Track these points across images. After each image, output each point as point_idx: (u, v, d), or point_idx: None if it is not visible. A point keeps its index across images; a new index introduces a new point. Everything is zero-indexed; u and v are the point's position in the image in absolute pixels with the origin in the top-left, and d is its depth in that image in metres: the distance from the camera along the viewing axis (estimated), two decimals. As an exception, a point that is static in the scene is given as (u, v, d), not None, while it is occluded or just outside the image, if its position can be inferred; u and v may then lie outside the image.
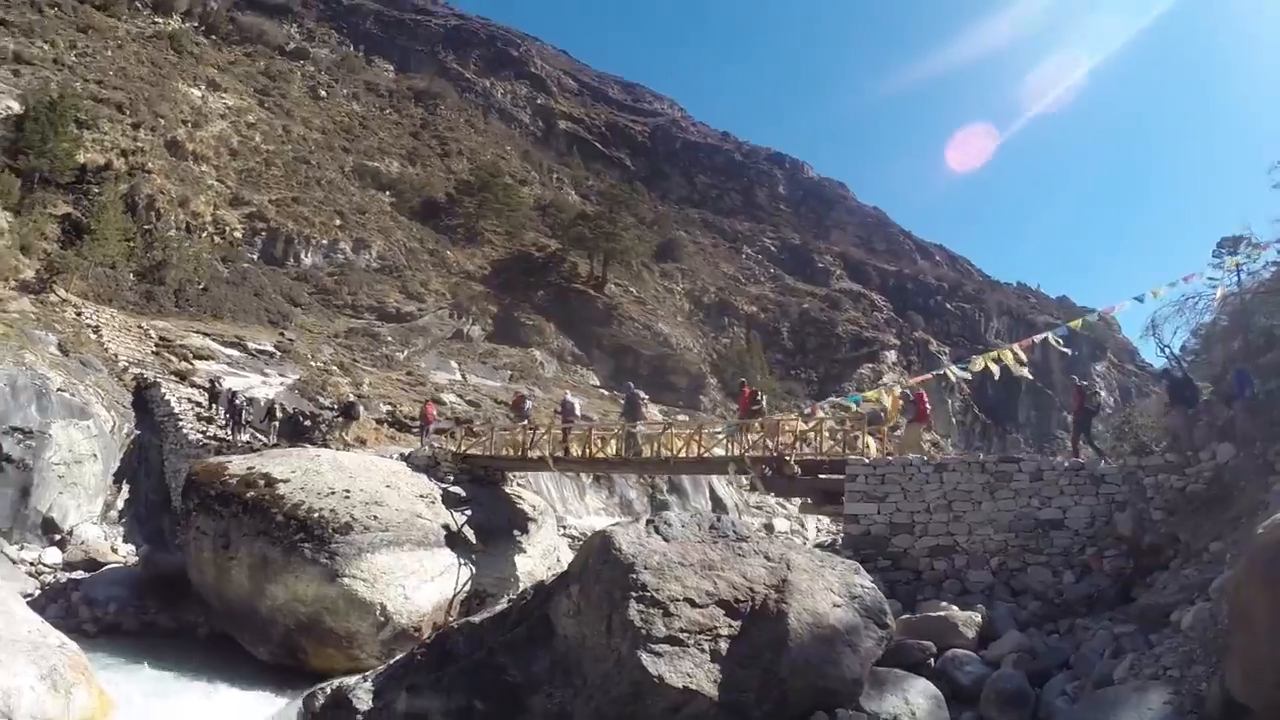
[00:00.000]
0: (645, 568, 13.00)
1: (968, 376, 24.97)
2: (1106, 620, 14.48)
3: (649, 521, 14.47)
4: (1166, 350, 30.12)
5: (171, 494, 29.76)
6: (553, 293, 64.43)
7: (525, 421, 27.60)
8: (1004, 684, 12.65)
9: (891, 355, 71.13)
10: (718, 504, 38.25)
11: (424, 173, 77.74)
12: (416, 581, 21.36)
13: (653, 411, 33.84)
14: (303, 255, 57.89)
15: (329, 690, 15.36)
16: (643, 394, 28.64)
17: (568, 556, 26.19)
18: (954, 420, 61.04)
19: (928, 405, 22.35)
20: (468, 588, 22.61)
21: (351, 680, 15.62)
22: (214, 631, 22.56)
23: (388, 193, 71.21)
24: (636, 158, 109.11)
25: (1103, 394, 58.04)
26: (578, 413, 28.53)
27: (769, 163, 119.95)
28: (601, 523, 31.72)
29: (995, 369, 23.83)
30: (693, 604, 12.78)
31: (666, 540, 13.83)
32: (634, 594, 12.63)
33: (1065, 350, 27.98)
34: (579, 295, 64.75)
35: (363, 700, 14.39)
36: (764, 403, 26.43)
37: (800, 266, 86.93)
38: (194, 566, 22.51)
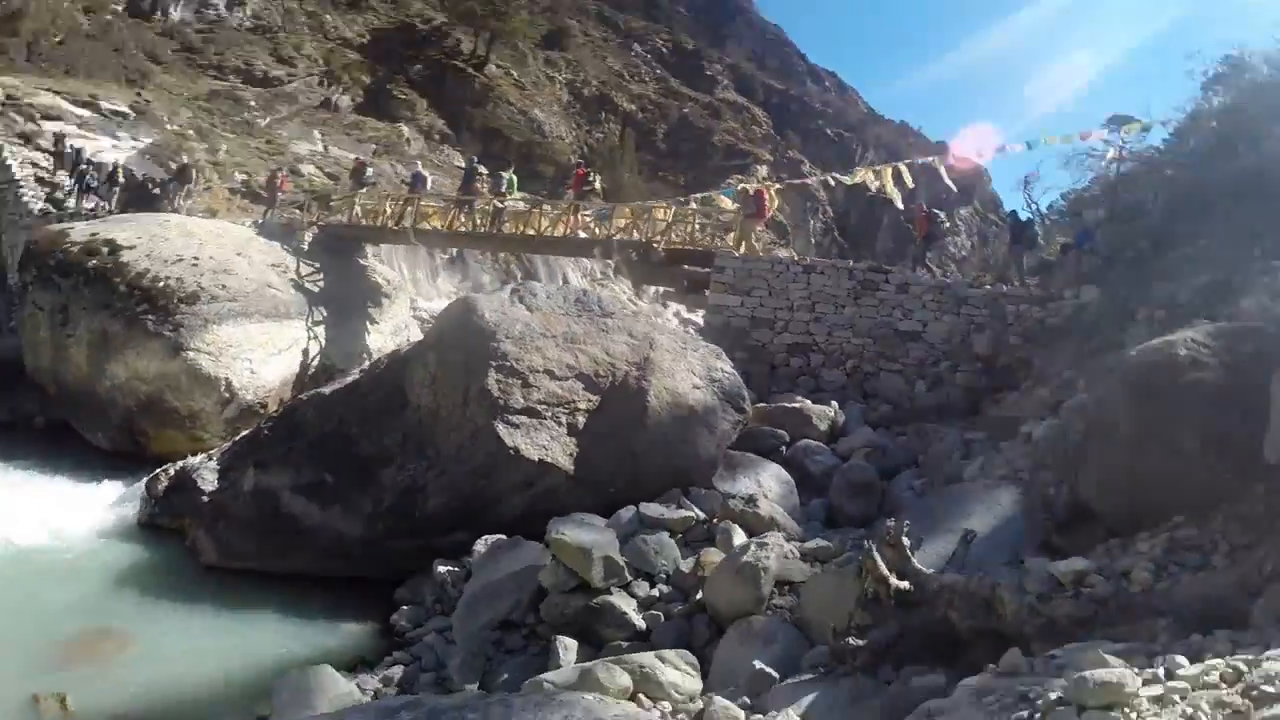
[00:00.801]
0: (507, 337, 12.56)
1: (847, 181, 24.93)
2: (955, 428, 14.86)
3: (513, 290, 13.96)
4: (1034, 206, 30.98)
5: (9, 271, 27.11)
6: (431, 68, 60.52)
7: (363, 189, 26.39)
8: (854, 474, 12.90)
9: (763, 170, 70.45)
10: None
11: (314, -78, 71.14)
12: (264, 355, 20.27)
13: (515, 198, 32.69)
14: (171, 9, 52.85)
15: (172, 471, 14.68)
16: (483, 169, 27.52)
17: (419, 336, 25.64)
18: (814, 241, 61.52)
19: (767, 204, 22.17)
20: (316, 361, 21.70)
21: (196, 460, 14.94)
22: (51, 421, 20.97)
23: (272, -59, 65.21)
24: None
25: (963, 234, 59.27)
26: (428, 188, 27.29)
27: None
28: None
29: (874, 182, 23.84)
30: (553, 376, 12.45)
31: (530, 310, 13.37)
32: (494, 363, 12.20)
33: (950, 184, 28.28)
34: (457, 74, 61.09)
35: (208, 480, 13.76)
36: (597, 184, 25.95)
37: (688, 72, 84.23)
38: (29, 350, 20.83)
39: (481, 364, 12.16)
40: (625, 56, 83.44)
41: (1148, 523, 8.19)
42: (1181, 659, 5.29)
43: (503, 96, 61.74)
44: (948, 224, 28.49)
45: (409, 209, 24.41)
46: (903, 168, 24.07)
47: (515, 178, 26.44)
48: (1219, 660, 5.11)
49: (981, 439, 13.42)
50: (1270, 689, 4.56)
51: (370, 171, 28.62)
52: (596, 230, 22.21)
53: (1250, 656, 5.07)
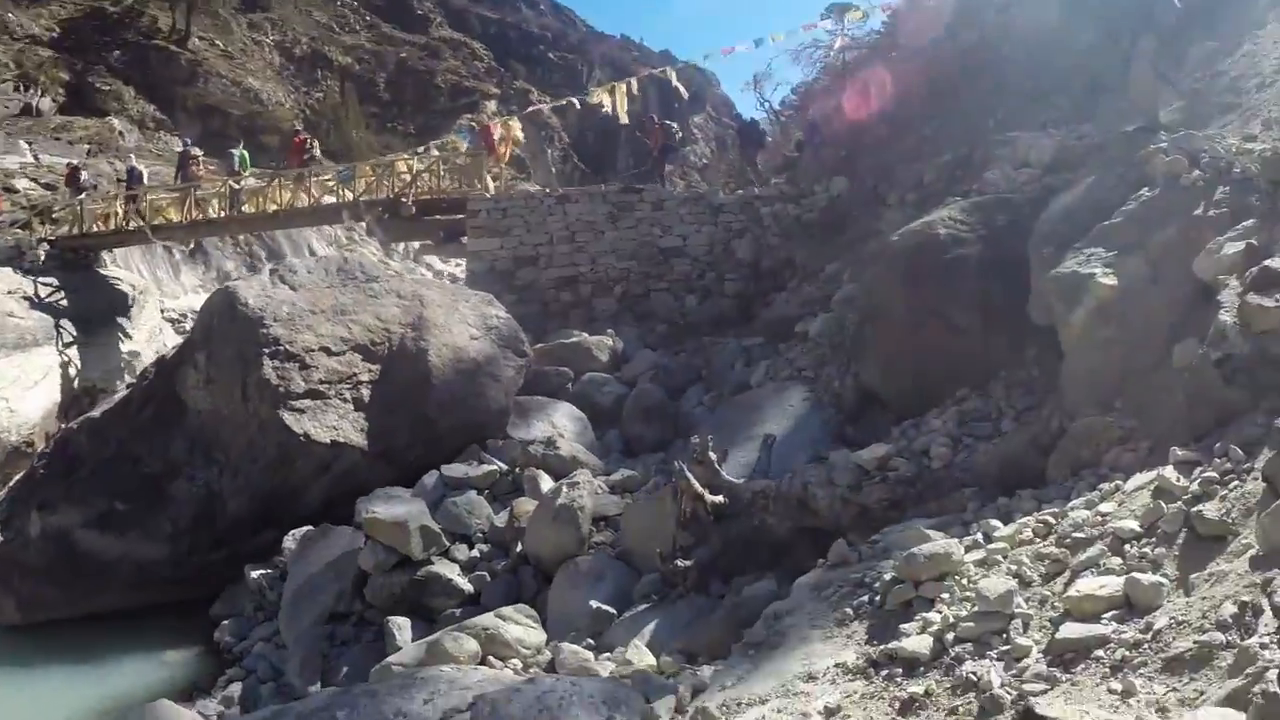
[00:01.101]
0: (275, 320, 11.86)
1: (577, 105, 24.91)
2: (732, 337, 15.17)
3: (272, 270, 13.24)
4: (767, 105, 31.82)
5: None
6: (131, 52, 55.79)
7: (82, 195, 24.39)
8: (644, 399, 13.00)
9: (492, 105, 69.33)
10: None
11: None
12: (19, 390, 18.50)
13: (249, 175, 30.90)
14: None
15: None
16: (197, 149, 26.02)
17: (173, 340, 23.94)
18: (553, 170, 61.28)
19: (495, 138, 21.93)
20: (76, 385, 20.04)
21: (-30, 517, 13.46)
22: None
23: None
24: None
25: (700, 141, 60.19)
26: (145, 181, 25.46)
27: None
28: (203, 300, 29.26)
29: (608, 101, 23.92)
30: (329, 352, 11.89)
31: (294, 289, 12.70)
32: (267, 350, 11.51)
33: (684, 92, 28.65)
34: (160, 53, 56.67)
35: (-11, 535, 12.45)
36: (316, 150, 25.12)
37: (398, 14, 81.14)
38: None
39: (254, 353, 11.48)
40: (332, 7, 79.71)
41: (934, 400, 8.62)
42: (995, 522, 5.60)
43: (212, 70, 58.06)
44: (681, 134, 28.85)
45: (139, 206, 22.56)
46: (631, 84, 24.23)
47: (246, 154, 25.07)
48: (1029, 518, 5.43)
49: (760, 344, 13.73)
50: (1080, 535, 4.87)
51: (85, 175, 26.32)
52: (341, 194, 21.27)
53: (1055, 509, 5.40)
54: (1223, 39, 10.57)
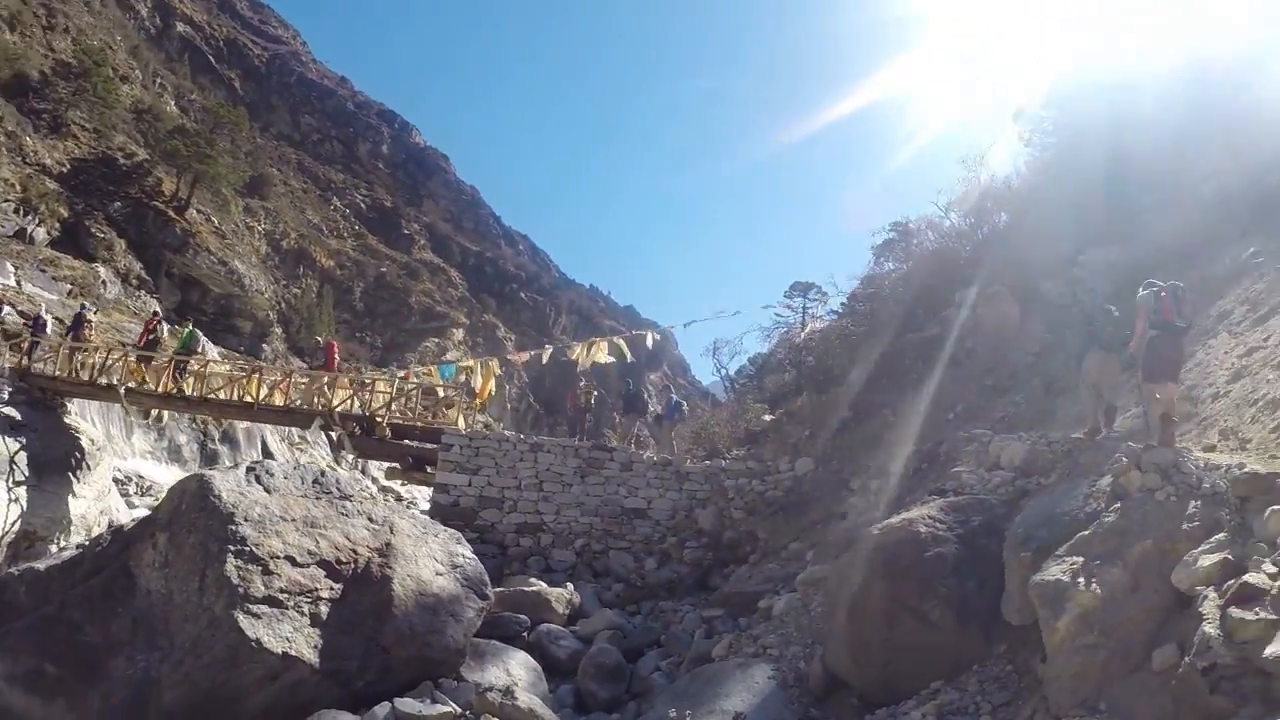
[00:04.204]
0: (246, 520, 11.69)
1: (573, 359, 25.65)
2: (689, 604, 15.21)
3: (249, 469, 13.12)
4: (723, 371, 32.96)
5: None
6: (131, 206, 56.87)
7: (40, 342, 24.21)
8: (602, 658, 12.81)
9: (459, 334, 71.04)
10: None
11: (22, 42, 66.21)
12: None
13: (212, 353, 30.99)
14: None
15: None
16: (92, 315, 25.97)
17: (118, 503, 23.29)
18: (510, 405, 62.01)
19: (336, 357, 23.03)
20: (17, 527, 19.40)
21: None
22: None
23: (-27, 52, 60.08)
24: (248, 82, 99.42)
25: (653, 399, 61.20)
26: (49, 332, 25.30)
27: (379, 119, 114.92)
28: (150, 467, 28.56)
29: (585, 356, 24.78)
30: (294, 563, 11.66)
31: (269, 491, 12.59)
32: (232, 548, 11.28)
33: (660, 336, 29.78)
34: (158, 215, 57.77)
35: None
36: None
37: (386, 229, 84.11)
38: None
39: (220, 548, 11.24)
40: (325, 210, 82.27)
41: (903, 689, 8.65)
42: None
43: (204, 244, 59.12)
44: (638, 390, 29.67)
45: (119, 364, 22.32)
46: (606, 344, 25.16)
47: (198, 332, 25.20)
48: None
49: (721, 615, 13.76)
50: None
51: (48, 322, 26.10)
52: (317, 400, 21.42)
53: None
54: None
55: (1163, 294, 9.13)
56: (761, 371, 30.04)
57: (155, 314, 26.66)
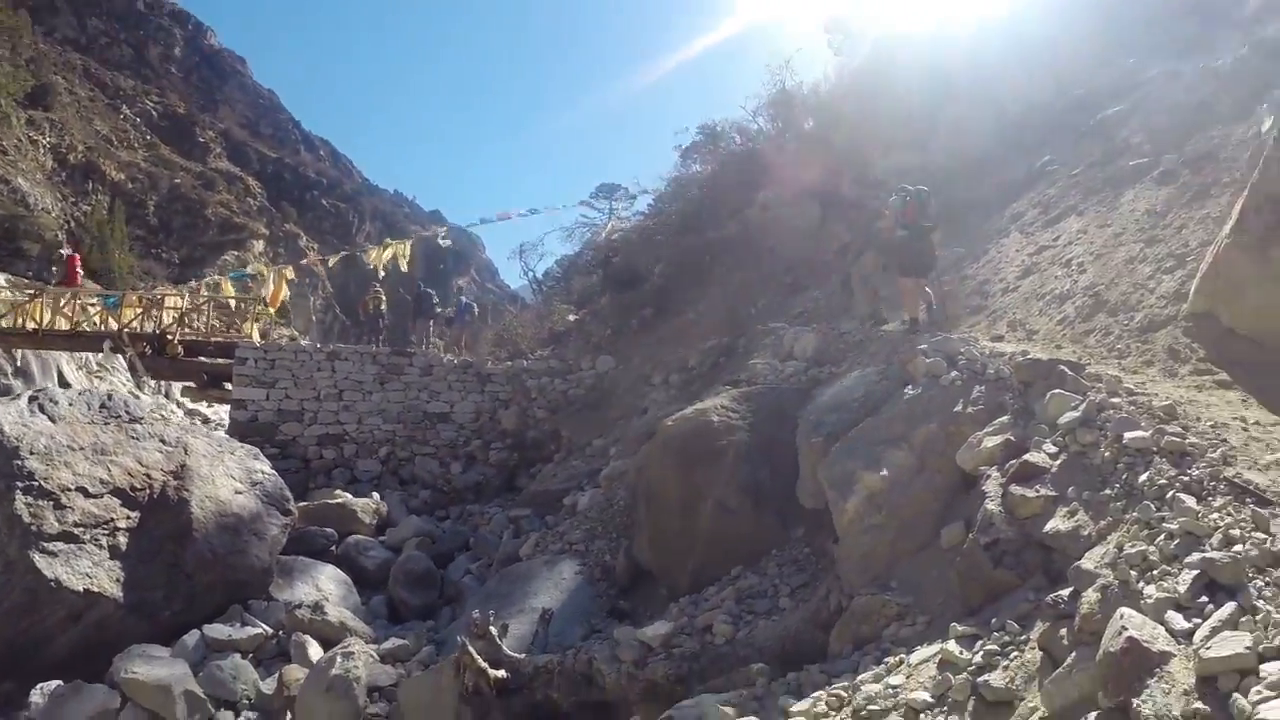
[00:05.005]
0: (31, 453, 10.95)
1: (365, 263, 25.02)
2: (496, 506, 15.27)
3: (32, 398, 12.25)
4: (530, 274, 32.80)
5: None
6: None
7: None
8: (411, 565, 12.78)
9: (259, 245, 67.77)
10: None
11: None
12: None
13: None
14: None
15: None
16: None
17: None
18: (314, 317, 60.10)
19: (79, 271, 22.61)
20: None
21: None
22: None
23: None
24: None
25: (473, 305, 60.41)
26: None
27: (171, 20, 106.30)
28: None
29: (384, 258, 24.24)
30: (86, 494, 11.02)
31: (54, 420, 11.80)
32: (20, 484, 10.56)
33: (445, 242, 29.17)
34: None
35: None
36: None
37: (180, 138, 78.14)
38: None
39: (7, 486, 10.51)
40: (114, 119, 76.04)
41: (707, 576, 8.95)
42: (788, 698, 5.85)
43: None
44: (438, 298, 29.41)
45: None
46: (408, 245, 24.65)
47: None
48: (821, 692, 5.71)
49: (528, 515, 13.86)
50: (875, 707, 5.23)
51: None
52: (105, 322, 20.15)
53: (845, 683, 5.72)
54: (969, 245, 11.96)
55: (909, 199, 9.92)
56: (568, 273, 30.01)
57: None
